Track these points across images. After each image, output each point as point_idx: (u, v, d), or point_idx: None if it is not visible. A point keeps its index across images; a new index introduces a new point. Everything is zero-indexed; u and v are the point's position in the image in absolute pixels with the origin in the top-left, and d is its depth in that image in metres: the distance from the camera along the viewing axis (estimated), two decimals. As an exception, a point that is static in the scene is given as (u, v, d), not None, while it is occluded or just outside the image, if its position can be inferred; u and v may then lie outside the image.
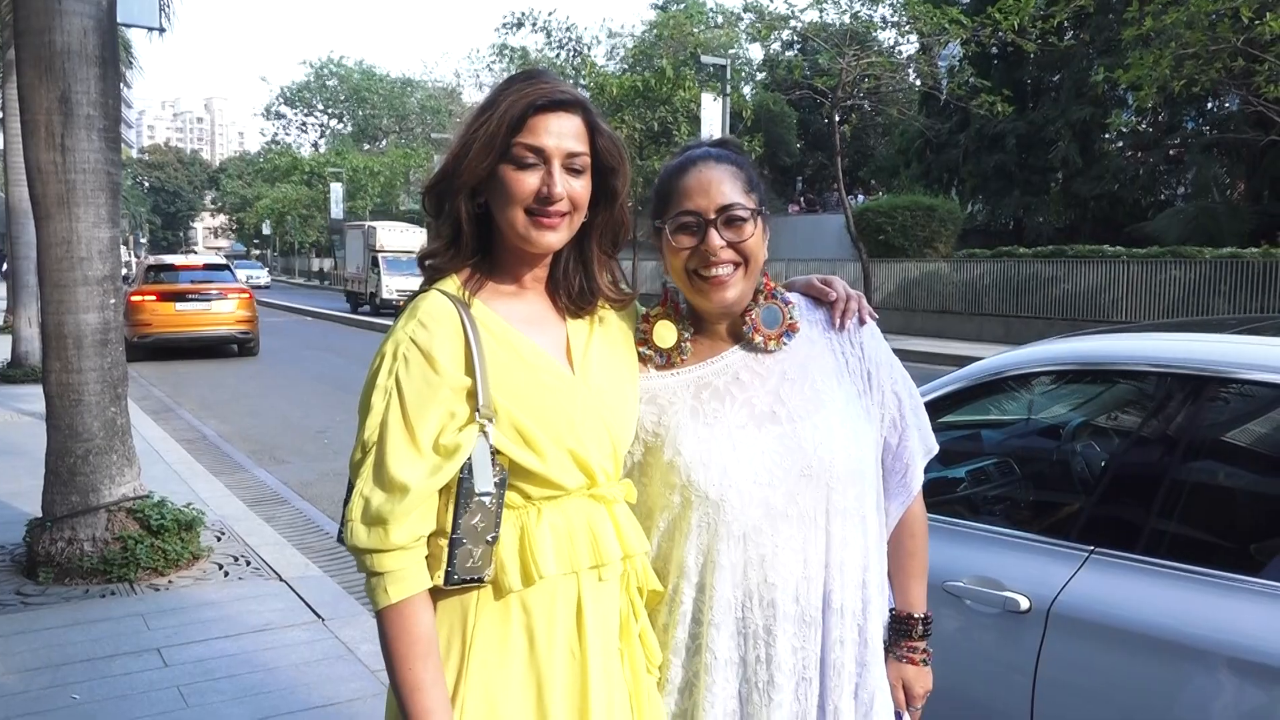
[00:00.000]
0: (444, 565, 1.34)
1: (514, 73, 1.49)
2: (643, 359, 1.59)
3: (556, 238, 1.42)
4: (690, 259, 1.51)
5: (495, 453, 1.35)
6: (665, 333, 1.58)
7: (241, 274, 38.44)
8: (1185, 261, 16.36)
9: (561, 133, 1.39)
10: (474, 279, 1.44)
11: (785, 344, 1.57)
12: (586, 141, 1.42)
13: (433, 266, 1.45)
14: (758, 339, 1.56)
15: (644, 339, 1.59)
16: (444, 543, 1.34)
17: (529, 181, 1.38)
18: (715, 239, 1.48)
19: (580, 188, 1.42)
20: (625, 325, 1.60)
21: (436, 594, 1.37)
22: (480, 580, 1.36)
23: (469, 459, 1.33)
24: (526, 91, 1.37)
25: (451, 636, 1.39)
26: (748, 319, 1.57)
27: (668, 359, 1.58)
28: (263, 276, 52.02)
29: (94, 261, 4.82)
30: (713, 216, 1.49)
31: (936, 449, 1.70)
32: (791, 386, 1.55)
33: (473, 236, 1.43)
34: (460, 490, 1.33)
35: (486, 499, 1.34)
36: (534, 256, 1.46)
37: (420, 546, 1.34)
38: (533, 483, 1.39)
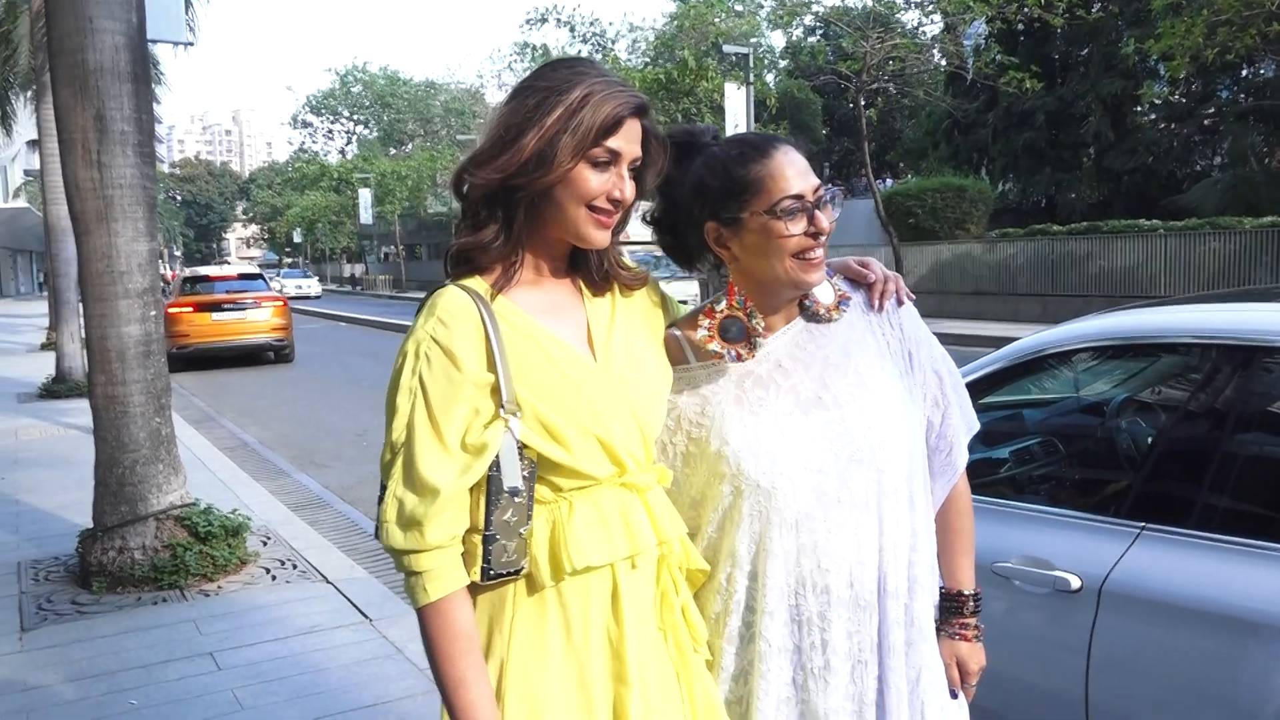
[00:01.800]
0: (480, 561, 1.35)
1: (552, 62, 1.46)
2: (712, 355, 1.54)
3: (608, 235, 1.43)
4: (796, 242, 1.48)
5: (523, 447, 1.35)
6: (738, 325, 1.55)
7: (289, 284, 36.78)
8: (1224, 233, 16.01)
9: (632, 138, 1.41)
10: (505, 271, 1.43)
11: (844, 311, 1.57)
12: (640, 144, 1.44)
13: (475, 260, 1.43)
14: (821, 310, 1.56)
15: (714, 335, 1.54)
16: (478, 539, 1.35)
17: (601, 181, 1.39)
18: (825, 220, 1.48)
19: (633, 187, 1.44)
20: (647, 308, 1.58)
21: (475, 589, 1.38)
22: (517, 573, 1.37)
23: (497, 455, 1.33)
24: (609, 98, 1.36)
25: (493, 630, 1.40)
26: (809, 294, 1.57)
27: (743, 353, 1.54)
28: (313, 286, 46.53)
29: (134, 275, 4.90)
30: (814, 198, 1.48)
31: (978, 426, 1.69)
32: (835, 371, 1.54)
33: (526, 227, 1.42)
34: (490, 486, 1.34)
35: (516, 494, 1.34)
36: (567, 248, 1.47)
37: (456, 544, 1.35)
38: (561, 475, 1.39)
